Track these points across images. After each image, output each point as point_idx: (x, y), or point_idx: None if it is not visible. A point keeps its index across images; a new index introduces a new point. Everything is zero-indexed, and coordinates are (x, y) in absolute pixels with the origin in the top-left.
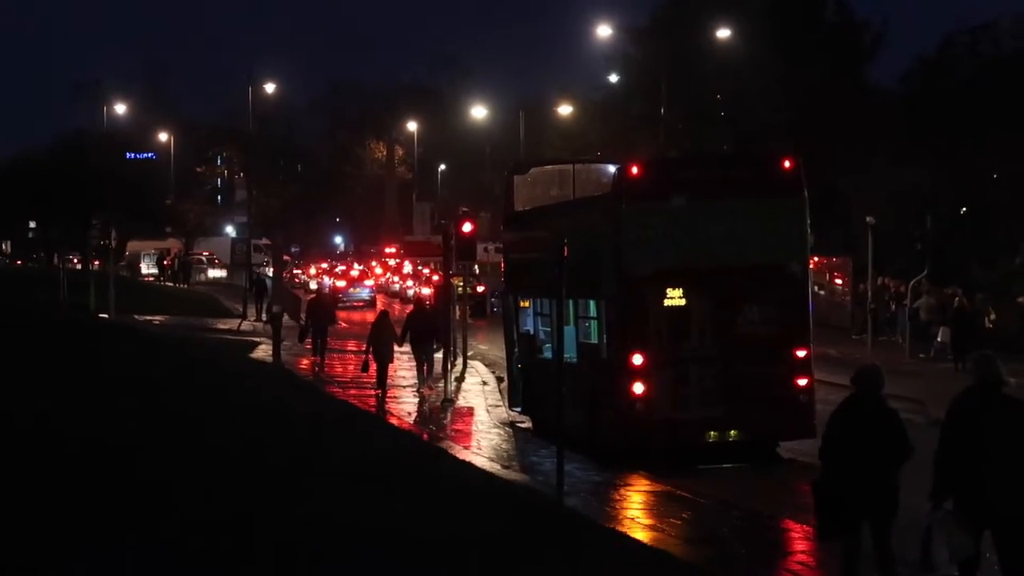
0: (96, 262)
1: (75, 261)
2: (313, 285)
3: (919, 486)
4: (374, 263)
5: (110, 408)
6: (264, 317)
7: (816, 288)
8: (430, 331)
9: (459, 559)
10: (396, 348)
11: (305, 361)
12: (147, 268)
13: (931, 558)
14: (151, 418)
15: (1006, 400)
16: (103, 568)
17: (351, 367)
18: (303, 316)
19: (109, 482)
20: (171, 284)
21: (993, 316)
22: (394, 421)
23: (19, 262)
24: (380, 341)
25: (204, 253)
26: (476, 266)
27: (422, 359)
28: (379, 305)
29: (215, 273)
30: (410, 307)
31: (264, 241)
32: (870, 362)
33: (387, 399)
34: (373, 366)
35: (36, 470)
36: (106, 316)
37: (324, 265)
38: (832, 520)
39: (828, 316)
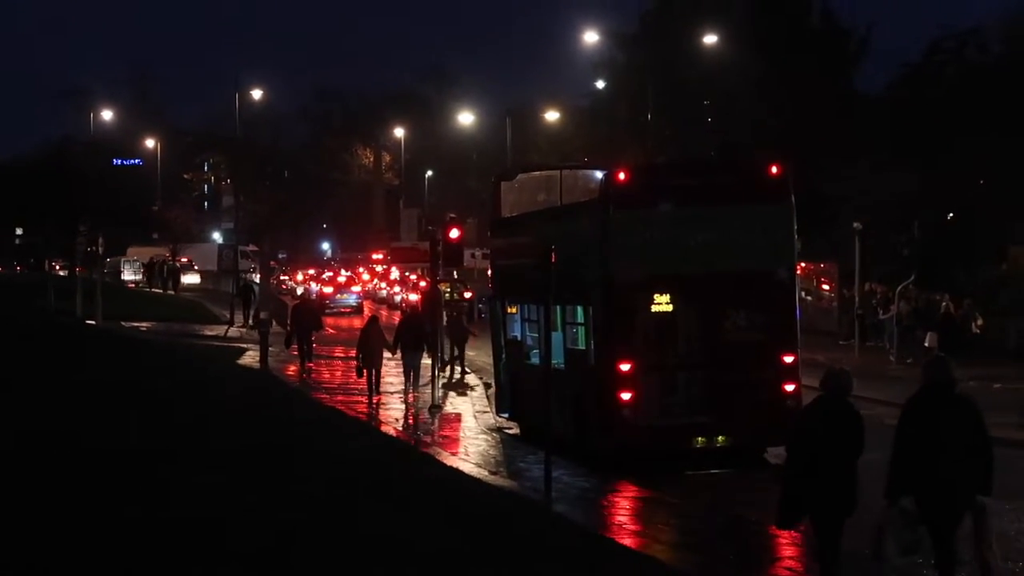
0: (78, 268)
1: (57, 268)
2: (300, 291)
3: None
4: (361, 269)
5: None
6: (251, 323)
7: (803, 294)
8: (419, 339)
9: (446, 565)
10: (387, 355)
11: (292, 368)
12: (128, 275)
13: (883, 551)
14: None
15: (958, 399)
16: None
17: (339, 373)
18: (289, 322)
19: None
20: (159, 290)
21: (980, 321)
22: (385, 429)
23: (1, 269)
24: (369, 347)
25: (182, 259)
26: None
27: (410, 366)
28: (366, 311)
29: (189, 279)
30: (397, 314)
31: (251, 247)
32: (838, 366)
33: (377, 405)
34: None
35: None
36: (93, 323)
37: (311, 271)
38: (791, 512)
39: (815, 322)
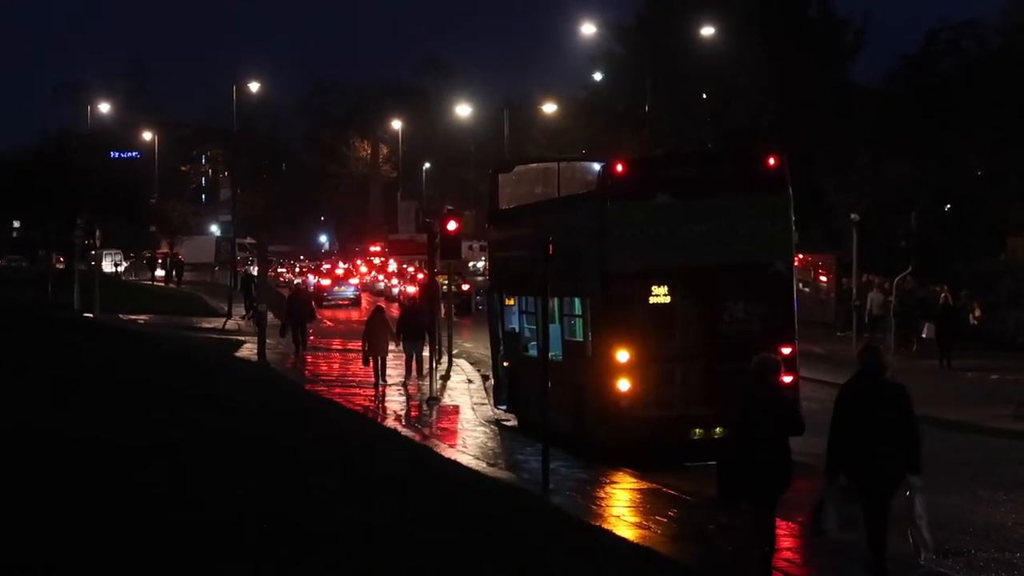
0: (60, 260)
1: (60, 261)
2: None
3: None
4: (359, 261)
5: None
6: (249, 314)
7: (801, 285)
8: (419, 328)
9: (445, 555)
10: (392, 344)
11: (291, 360)
12: (108, 267)
13: (822, 524)
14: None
15: (888, 385)
16: None
17: (336, 365)
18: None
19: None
20: (162, 284)
21: (978, 312)
22: (381, 419)
23: (3, 261)
24: (374, 337)
25: (165, 252)
26: (470, 264)
27: (411, 354)
28: (364, 303)
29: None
30: (395, 306)
31: (249, 240)
32: (764, 354)
33: (383, 395)
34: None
35: None
36: (91, 315)
37: (306, 262)
38: (730, 487)
39: (813, 313)
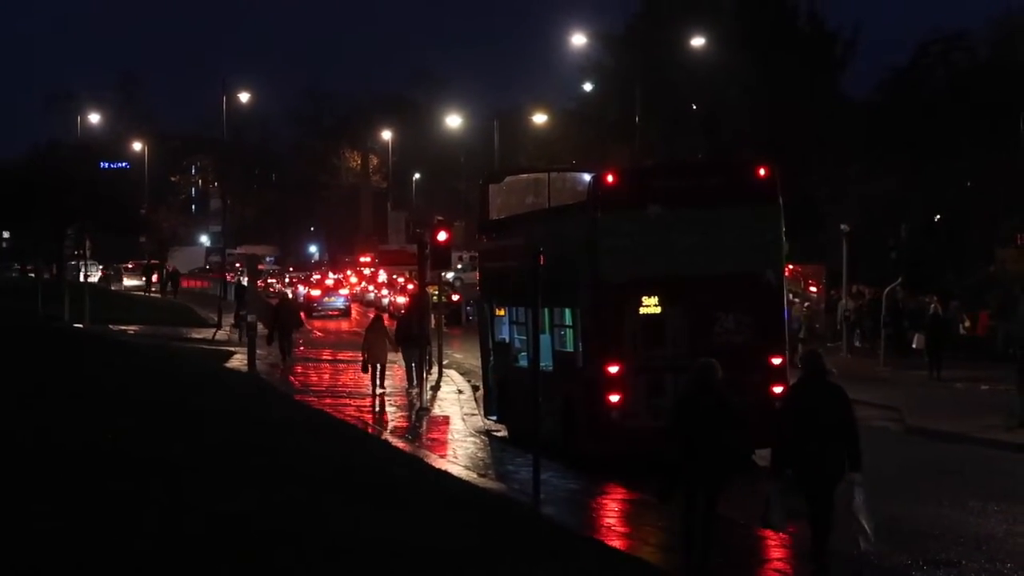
0: (33, 270)
1: (51, 272)
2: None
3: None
4: (349, 272)
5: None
6: (234, 323)
7: (791, 296)
8: (417, 336)
9: (436, 566)
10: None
11: (280, 369)
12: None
13: (769, 518)
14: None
15: (830, 387)
16: None
17: (326, 375)
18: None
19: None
20: (159, 295)
21: (967, 323)
22: (372, 430)
23: None
24: (375, 345)
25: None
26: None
27: (410, 361)
28: (354, 314)
29: (130, 282)
30: (385, 316)
31: (239, 250)
32: (702, 359)
33: (381, 402)
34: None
35: None
36: (80, 326)
37: (296, 272)
38: (670, 483)
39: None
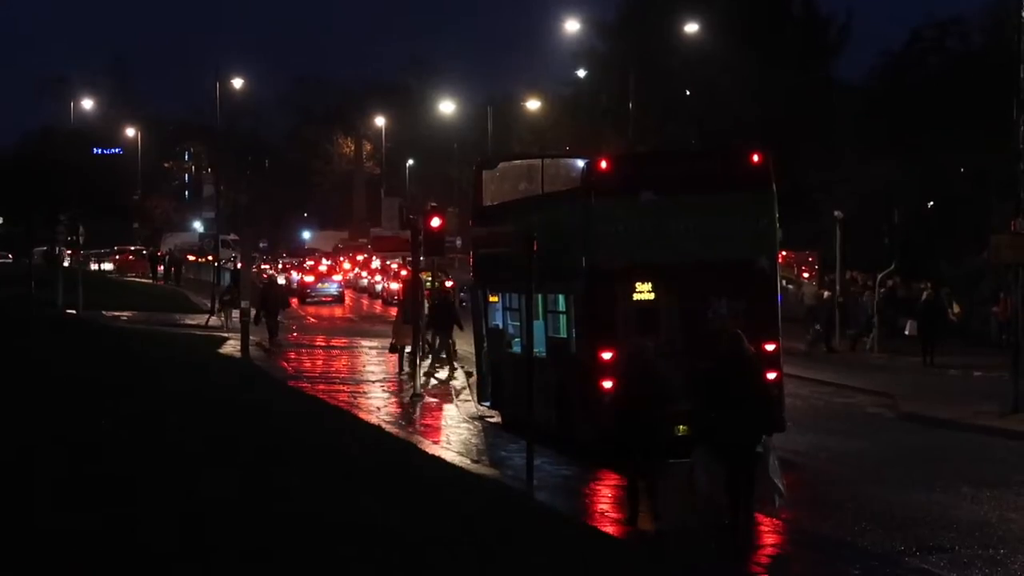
0: (10, 255)
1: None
2: (281, 280)
3: None
4: (342, 258)
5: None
6: (218, 305)
7: (784, 283)
8: (448, 318)
9: (429, 552)
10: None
11: (264, 344)
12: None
13: (695, 482)
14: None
15: (749, 365)
16: None
17: (320, 362)
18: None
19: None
20: (162, 282)
21: (957, 309)
22: (366, 416)
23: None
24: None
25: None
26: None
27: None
28: (348, 300)
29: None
30: (378, 302)
31: (232, 237)
32: (641, 339)
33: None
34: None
35: None
36: (74, 312)
37: (289, 258)
38: (621, 449)
39: (797, 311)
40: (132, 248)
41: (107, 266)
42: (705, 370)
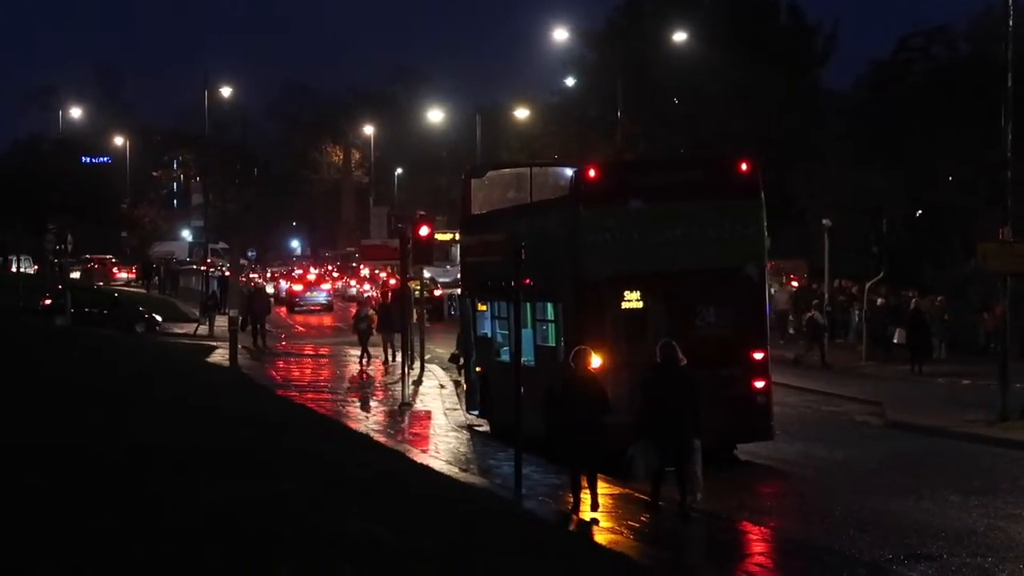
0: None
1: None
2: (270, 289)
3: None
4: (330, 267)
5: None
6: (200, 311)
7: (772, 291)
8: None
9: (415, 562)
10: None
11: (251, 350)
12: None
13: (633, 472)
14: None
15: (680, 371)
16: None
17: (308, 371)
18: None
19: None
20: (157, 292)
21: (947, 317)
22: (354, 425)
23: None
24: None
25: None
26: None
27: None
28: (336, 309)
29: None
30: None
31: (221, 245)
32: (580, 346)
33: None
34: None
35: None
36: (60, 322)
37: (277, 267)
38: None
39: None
40: (99, 257)
41: (74, 275)
42: (644, 375)
